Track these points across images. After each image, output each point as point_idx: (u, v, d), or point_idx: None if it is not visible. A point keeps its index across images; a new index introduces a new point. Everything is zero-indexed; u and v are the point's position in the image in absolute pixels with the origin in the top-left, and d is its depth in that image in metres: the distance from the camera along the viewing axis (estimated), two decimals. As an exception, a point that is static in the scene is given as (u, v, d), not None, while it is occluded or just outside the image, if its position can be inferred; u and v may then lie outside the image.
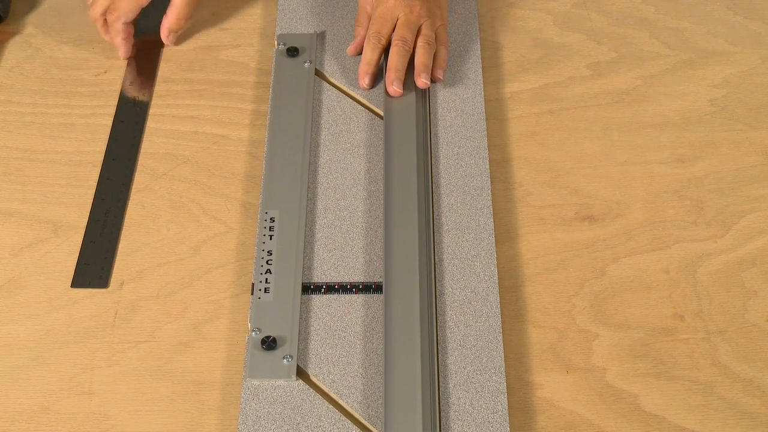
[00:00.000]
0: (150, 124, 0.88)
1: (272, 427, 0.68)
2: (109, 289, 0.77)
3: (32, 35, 0.97)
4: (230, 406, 0.70)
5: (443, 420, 0.68)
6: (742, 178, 0.84)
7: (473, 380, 0.70)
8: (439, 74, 0.89)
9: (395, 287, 0.74)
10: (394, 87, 0.86)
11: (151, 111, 0.89)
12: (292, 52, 0.92)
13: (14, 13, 0.98)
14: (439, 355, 0.71)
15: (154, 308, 0.76)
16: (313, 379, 0.71)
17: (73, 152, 0.86)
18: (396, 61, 0.87)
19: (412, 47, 0.88)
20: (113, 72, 0.93)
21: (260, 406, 0.69)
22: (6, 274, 0.78)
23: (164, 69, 0.92)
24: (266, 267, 0.76)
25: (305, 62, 0.91)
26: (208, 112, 0.89)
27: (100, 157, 0.86)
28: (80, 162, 0.85)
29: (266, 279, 0.75)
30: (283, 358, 0.71)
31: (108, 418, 0.70)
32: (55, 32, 0.97)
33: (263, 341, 0.71)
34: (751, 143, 0.87)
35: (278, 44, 0.93)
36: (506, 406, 0.68)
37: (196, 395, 0.71)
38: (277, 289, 0.75)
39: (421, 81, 0.87)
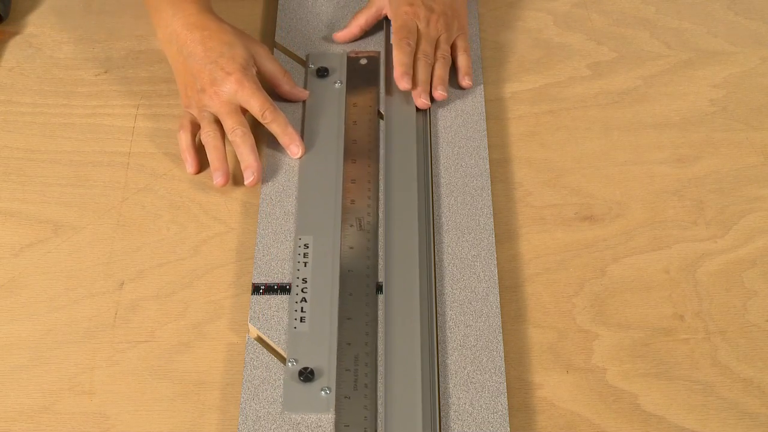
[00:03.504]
0: (150, 124, 0.88)
1: (272, 427, 0.68)
2: (109, 289, 0.77)
3: (32, 35, 0.97)
4: (230, 406, 0.70)
5: (443, 420, 0.68)
6: (742, 178, 0.84)
7: (473, 380, 0.70)
8: (466, 81, 0.89)
9: (395, 287, 0.74)
10: (422, 99, 0.86)
11: (151, 111, 0.89)
12: (322, 72, 0.91)
13: (14, 13, 0.98)
14: (439, 355, 0.71)
15: (154, 308, 0.76)
16: (313, 379, 0.71)
17: (73, 152, 0.86)
18: (421, 74, 0.87)
19: (433, 61, 0.88)
20: (113, 72, 0.93)
21: (260, 406, 0.69)
22: (6, 274, 0.78)
23: (164, 69, 0.92)
24: (302, 296, 0.75)
25: (335, 83, 0.89)
26: (208, 112, 0.89)
27: (100, 157, 0.86)
28: (80, 162, 0.85)
29: (302, 308, 0.74)
30: (321, 390, 0.69)
31: (108, 418, 0.70)
32: (55, 32, 0.97)
33: (300, 373, 0.70)
34: (751, 143, 0.87)
35: (308, 64, 0.91)
36: (506, 406, 0.68)
37: (196, 395, 0.71)
38: (313, 318, 0.73)
39: (438, 93, 0.87)
